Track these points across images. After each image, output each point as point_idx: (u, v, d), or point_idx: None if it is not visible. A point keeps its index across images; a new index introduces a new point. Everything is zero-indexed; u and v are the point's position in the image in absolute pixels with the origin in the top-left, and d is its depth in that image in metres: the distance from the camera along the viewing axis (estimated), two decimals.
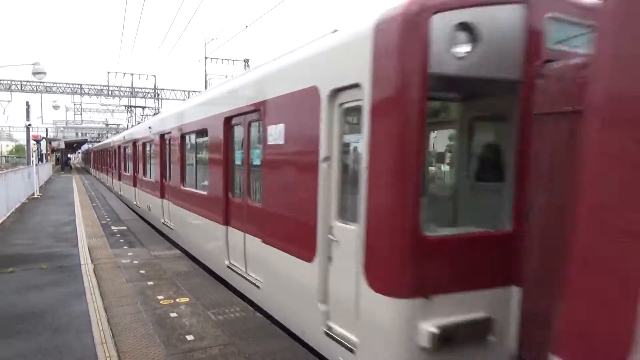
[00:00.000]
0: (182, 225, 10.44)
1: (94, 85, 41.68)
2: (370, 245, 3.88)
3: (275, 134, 5.61)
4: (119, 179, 22.30)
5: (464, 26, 3.53)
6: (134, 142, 17.40)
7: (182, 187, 10.46)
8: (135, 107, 41.56)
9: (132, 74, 41.04)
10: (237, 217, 7.01)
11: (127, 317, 6.03)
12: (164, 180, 12.37)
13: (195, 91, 39.30)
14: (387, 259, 3.78)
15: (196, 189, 9.51)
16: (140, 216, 16.04)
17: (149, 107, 41.24)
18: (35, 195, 23.13)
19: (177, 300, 6.75)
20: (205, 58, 32.38)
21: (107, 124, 55.93)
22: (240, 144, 7.09)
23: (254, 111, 6.28)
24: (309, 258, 4.82)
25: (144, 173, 15.50)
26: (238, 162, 7.19)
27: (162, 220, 12.37)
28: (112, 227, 13.52)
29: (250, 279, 6.45)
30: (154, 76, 43.21)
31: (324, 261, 4.62)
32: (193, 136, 9.99)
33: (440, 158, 5.33)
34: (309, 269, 4.82)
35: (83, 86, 41.46)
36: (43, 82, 37.58)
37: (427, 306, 3.64)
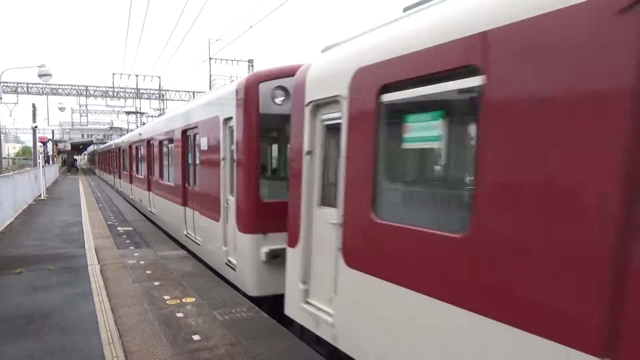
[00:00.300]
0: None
1: (99, 86, 41.87)
2: (238, 207, 7.05)
3: (203, 143, 8.69)
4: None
5: (279, 87, 6.68)
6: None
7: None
8: (135, 112, 41.75)
9: (137, 75, 41.23)
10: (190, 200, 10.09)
11: (133, 317, 6.05)
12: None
13: (199, 92, 39.38)
14: (245, 213, 6.86)
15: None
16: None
17: (146, 113, 41.35)
18: (42, 197, 23.28)
19: (184, 300, 6.77)
20: (210, 59, 32.44)
21: (112, 127, 56.25)
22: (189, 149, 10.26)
23: (194, 127, 9.63)
24: (217, 219, 8.02)
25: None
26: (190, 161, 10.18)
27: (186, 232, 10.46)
28: (119, 228, 13.58)
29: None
30: (159, 77, 43.45)
31: (223, 220, 7.76)
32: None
33: (269, 159, 8.01)
34: (218, 226, 7.95)
35: (88, 88, 41.66)
36: (49, 84, 37.78)
37: (264, 239, 6.66)
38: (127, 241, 11.51)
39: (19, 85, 38.16)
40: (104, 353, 4.93)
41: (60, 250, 10.41)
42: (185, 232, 10.40)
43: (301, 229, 5.17)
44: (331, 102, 4.61)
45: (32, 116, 30.16)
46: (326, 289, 4.70)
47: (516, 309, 2.71)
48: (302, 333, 5.46)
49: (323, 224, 4.89)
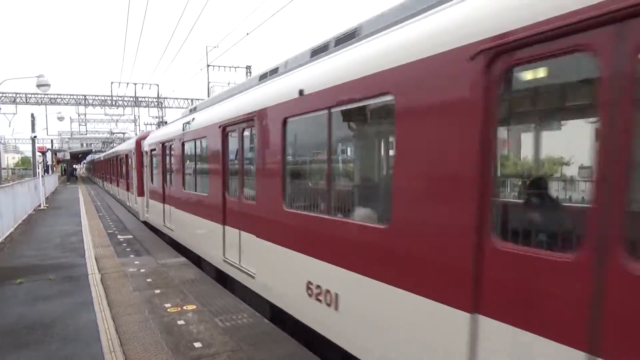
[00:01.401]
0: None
1: (97, 95, 41.93)
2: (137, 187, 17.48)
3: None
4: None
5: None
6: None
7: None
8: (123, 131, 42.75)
9: (135, 84, 41.30)
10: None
11: (135, 325, 6.05)
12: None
13: (198, 99, 39.45)
14: (138, 188, 17.25)
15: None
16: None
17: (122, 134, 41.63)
18: (42, 207, 23.28)
19: (185, 307, 6.78)
20: (208, 66, 32.54)
21: (112, 133, 56.34)
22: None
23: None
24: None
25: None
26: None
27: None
28: (119, 236, 13.59)
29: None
30: (157, 85, 43.45)
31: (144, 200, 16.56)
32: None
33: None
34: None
35: (87, 97, 41.72)
36: (47, 94, 37.83)
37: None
38: (128, 249, 11.52)
39: (18, 95, 38.23)
40: None
41: (60, 259, 10.42)
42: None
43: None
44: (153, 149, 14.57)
45: (31, 126, 30.22)
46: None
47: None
48: (304, 339, 5.47)
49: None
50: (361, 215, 4.73)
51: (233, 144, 7.80)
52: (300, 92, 5.27)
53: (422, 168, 3.58)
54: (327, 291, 4.76)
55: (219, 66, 33.19)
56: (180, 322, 6.15)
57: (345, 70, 4.56)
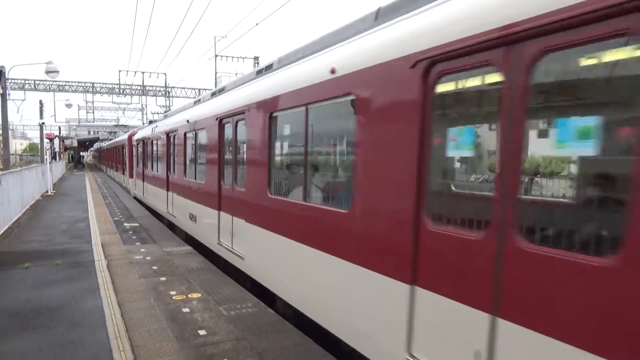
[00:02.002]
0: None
1: (105, 83, 42.05)
2: (129, 171, 24.02)
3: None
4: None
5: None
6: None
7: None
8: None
9: (143, 72, 41.37)
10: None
11: (140, 312, 6.10)
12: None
13: (205, 89, 39.45)
14: (130, 172, 23.78)
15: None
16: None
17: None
18: (49, 193, 23.44)
19: (190, 295, 6.82)
20: (216, 56, 32.49)
21: (117, 125, 56.74)
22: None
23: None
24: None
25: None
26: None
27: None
28: (125, 224, 13.66)
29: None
30: (165, 74, 43.48)
31: (134, 180, 22.24)
32: None
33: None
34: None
35: (95, 85, 41.85)
36: (56, 81, 38.02)
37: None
38: (134, 237, 11.59)
39: (26, 81, 38.41)
40: (111, 347, 4.98)
41: (67, 245, 10.50)
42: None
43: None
44: (138, 143, 20.53)
45: (39, 112, 30.37)
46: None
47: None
48: (308, 329, 5.49)
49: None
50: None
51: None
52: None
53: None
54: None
55: (227, 56, 33.16)
56: (185, 310, 6.18)
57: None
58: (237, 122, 7.94)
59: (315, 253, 5.10)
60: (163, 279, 7.72)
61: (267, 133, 6.49)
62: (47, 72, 20.79)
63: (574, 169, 3.83)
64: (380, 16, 4.66)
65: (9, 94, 20.99)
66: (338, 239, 4.70)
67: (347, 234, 4.53)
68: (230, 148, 8.27)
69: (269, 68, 7.31)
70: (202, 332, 5.42)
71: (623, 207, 2.43)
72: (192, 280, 7.63)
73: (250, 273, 7.15)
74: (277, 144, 6.67)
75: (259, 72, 7.68)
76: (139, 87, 42.16)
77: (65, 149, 59.94)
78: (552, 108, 3.64)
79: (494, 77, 3.14)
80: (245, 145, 7.43)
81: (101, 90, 42.25)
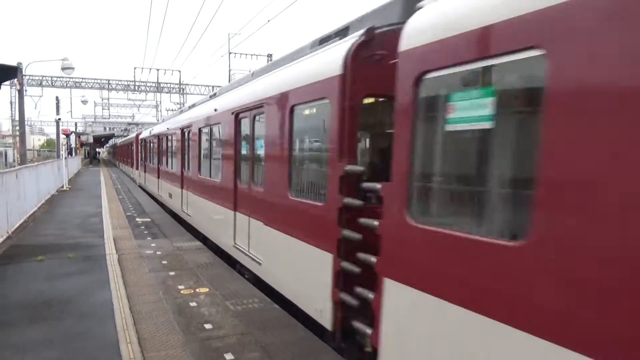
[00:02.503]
0: None
1: (121, 80, 42.64)
2: (136, 164, 29.12)
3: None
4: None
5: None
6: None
7: None
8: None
9: (157, 70, 41.83)
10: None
11: (148, 305, 6.19)
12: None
13: (219, 86, 39.67)
14: (136, 165, 28.83)
15: None
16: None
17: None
18: (65, 188, 23.83)
19: (197, 290, 6.90)
20: (229, 53, 32.66)
21: (130, 123, 57.65)
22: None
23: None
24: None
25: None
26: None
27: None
28: (137, 219, 13.85)
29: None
30: (179, 71, 43.91)
31: (139, 172, 26.88)
32: None
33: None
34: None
35: (110, 81, 42.44)
36: (72, 78, 38.61)
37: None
38: (145, 232, 11.75)
39: (44, 78, 39.09)
40: (118, 338, 5.07)
41: (80, 239, 10.69)
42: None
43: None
44: (142, 141, 25.06)
45: (56, 109, 30.85)
46: None
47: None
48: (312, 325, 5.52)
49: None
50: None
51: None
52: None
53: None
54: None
55: (241, 54, 33.32)
56: (193, 304, 6.26)
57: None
58: (200, 129, 10.91)
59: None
60: (172, 273, 7.82)
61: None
62: (63, 69, 21.13)
63: None
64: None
65: (26, 90, 21.37)
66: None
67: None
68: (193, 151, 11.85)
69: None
70: (208, 326, 5.48)
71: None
72: (200, 275, 7.71)
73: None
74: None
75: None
76: (153, 84, 42.61)
77: (82, 144, 60.81)
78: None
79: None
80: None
81: (116, 87, 42.84)
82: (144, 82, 42.30)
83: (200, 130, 10.93)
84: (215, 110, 9.47)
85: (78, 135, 53.79)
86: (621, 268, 2.05)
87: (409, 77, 3.39)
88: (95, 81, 42.05)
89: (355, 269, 4.34)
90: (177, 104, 43.74)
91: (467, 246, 2.89)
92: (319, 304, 4.98)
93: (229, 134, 8.36)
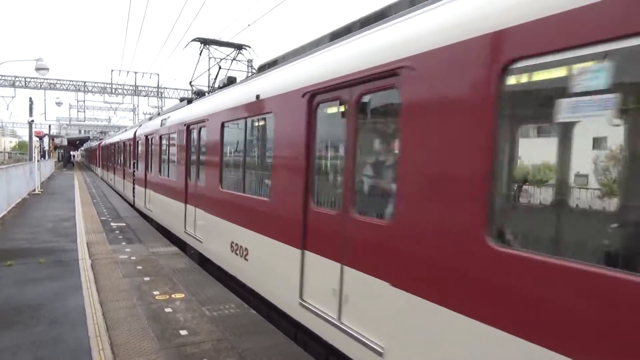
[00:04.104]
0: None
1: (97, 82, 41.85)
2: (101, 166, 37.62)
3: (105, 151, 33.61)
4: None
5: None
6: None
7: None
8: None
9: (135, 73, 41.21)
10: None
11: (122, 311, 6.07)
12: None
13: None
14: (100, 165, 39.38)
15: None
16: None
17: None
18: (37, 191, 23.22)
19: (173, 296, 6.80)
20: (210, 58, 32.41)
21: (103, 131, 57.21)
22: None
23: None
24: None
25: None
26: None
27: None
28: (112, 224, 13.58)
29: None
30: (157, 75, 43.37)
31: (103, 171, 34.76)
32: None
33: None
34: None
35: (87, 83, 41.62)
36: (47, 79, 37.75)
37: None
38: (120, 237, 11.53)
39: (17, 78, 38.08)
40: (90, 345, 4.95)
41: (52, 244, 10.42)
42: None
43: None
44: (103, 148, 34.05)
45: (29, 110, 30.12)
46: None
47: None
48: (291, 330, 5.51)
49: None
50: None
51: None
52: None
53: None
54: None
55: (221, 58, 33.11)
56: (168, 310, 6.17)
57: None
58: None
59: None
60: (147, 278, 7.69)
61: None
62: (37, 69, 20.66)
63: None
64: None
65: None
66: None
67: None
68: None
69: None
70: (183, 332, 5.40)
71: None
72: (176, 281, 7.61)
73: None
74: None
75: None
76: (131, 87, 41.98)
77: (55, 147, 59.37)
78: None
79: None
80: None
81: (93, 90, 42.02)
82: (121, 84, 41.65)
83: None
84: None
85: (52, 137, 52.55)
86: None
87: None
88: (71, 83, 41.16)
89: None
90: (155, 107, 43.20)
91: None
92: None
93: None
